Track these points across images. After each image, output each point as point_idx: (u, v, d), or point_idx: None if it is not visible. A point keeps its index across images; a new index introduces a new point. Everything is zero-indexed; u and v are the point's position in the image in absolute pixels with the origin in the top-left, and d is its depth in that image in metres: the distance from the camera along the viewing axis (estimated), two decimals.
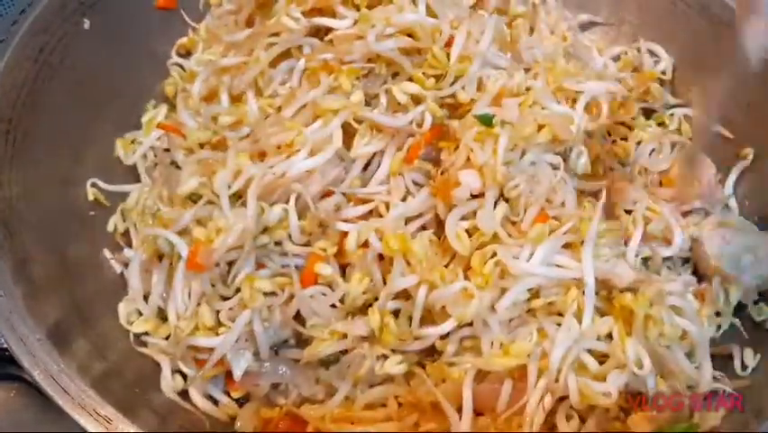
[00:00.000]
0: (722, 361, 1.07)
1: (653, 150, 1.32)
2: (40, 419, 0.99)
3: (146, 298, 1.12)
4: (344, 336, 1.04)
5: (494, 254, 1.02)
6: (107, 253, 1.20)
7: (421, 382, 1.01)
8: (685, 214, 1.21)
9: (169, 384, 1.06)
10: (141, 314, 1.12)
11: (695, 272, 1.17)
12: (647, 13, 1.43)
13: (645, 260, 1.14)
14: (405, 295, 1.04)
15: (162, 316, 1.11)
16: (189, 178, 1.08)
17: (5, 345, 0.94)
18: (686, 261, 1.19)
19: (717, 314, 1.13)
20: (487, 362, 1.00)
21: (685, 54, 1.39)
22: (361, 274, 1.06)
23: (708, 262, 1.14)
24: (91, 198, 1.24)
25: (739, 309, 1.14)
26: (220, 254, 1.01)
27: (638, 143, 1.32)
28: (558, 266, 1.04)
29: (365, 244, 1.06)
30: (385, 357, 1.04)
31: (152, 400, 1.04)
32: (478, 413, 0.99)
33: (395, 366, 1.03)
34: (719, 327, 1.13)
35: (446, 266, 1.05)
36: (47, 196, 1.16)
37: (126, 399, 0.97)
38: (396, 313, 1.04)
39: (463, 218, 1.06)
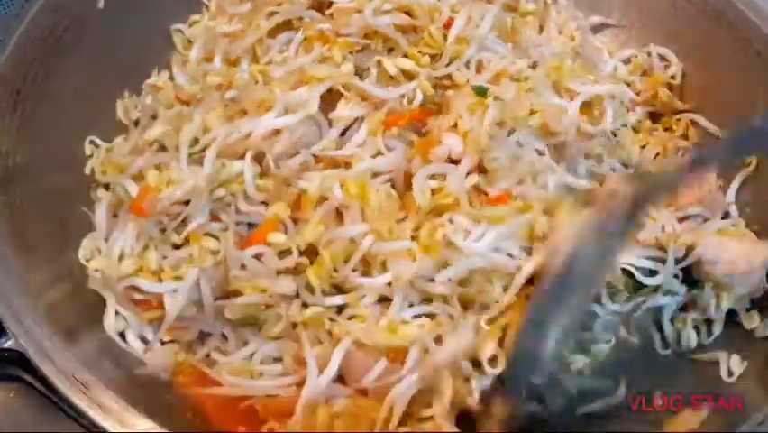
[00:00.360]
0: (709, 367, 1.07)
1: (657, 154, 1.31)
2: (40, 419, 0.97)
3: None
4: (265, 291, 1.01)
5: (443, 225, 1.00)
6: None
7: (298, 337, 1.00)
8: (682, 219, 1.20)
9: (111, 323, 1.06)
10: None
11: (687, 277, 1.16)
12: (648, 16, 1.42)
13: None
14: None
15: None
16: (157, 126, 1.08)
17: (5, 346, 0.95)
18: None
19: (708, 320, 1.12)
20: (368, 334, 0.97)
21: (691, 57, 1.38)
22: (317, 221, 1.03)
23: (702, 267, 1.13)
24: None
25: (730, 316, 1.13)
26: (164, 205, 1.01)
27: (643, 147, 1.31)
28: (508, 255, 1.01)
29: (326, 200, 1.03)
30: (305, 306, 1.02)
31: (161, 396, 1.03)
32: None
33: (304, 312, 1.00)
34: (710, 333, 1.12)
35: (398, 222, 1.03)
36: (53, 173, 1.16)
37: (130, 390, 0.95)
38: None
39: (434, 179, 1.04)
